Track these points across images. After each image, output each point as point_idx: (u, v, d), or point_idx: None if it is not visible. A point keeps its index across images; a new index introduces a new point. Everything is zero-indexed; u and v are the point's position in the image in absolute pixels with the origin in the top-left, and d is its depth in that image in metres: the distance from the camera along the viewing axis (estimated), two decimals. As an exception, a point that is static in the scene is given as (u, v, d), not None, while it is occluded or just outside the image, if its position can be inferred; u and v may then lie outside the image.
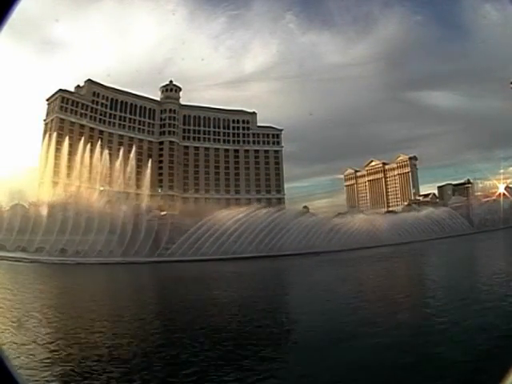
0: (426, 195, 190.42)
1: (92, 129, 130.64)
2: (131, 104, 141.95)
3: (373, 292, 24.12)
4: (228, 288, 30.84)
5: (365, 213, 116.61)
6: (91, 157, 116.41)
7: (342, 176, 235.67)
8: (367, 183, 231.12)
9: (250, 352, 12.93)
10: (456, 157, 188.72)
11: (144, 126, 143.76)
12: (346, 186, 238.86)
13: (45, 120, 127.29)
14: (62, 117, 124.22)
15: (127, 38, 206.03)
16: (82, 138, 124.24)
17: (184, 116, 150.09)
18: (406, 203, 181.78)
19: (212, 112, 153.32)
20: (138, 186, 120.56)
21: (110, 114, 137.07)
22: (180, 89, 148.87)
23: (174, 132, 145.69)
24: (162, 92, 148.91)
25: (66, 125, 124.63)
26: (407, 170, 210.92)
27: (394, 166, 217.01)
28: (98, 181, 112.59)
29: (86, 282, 38.92)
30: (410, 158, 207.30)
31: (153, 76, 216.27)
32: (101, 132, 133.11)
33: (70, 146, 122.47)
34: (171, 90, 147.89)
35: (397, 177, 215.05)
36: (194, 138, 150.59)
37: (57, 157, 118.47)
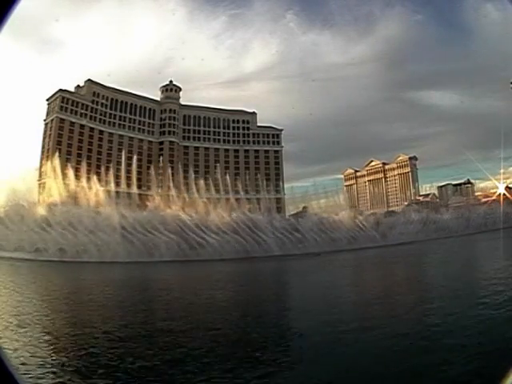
0: (426, 195, 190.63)
1: (92, 129, 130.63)
2: (131, 104, 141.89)
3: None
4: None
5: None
6: (91, 157, 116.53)
7: (341, 176, 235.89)
8: (367, 183, 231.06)
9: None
10: (456, 157, 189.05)
11: (144, 126, 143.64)
12: (346, 186, 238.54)
13: (45, 120, 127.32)
14: (62, 117, 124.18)
15: (127, 38, 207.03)
16: (82, 138, 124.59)
17: (184, 116, 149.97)
18: (406, 203, 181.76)
19: (212, 112, 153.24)
20: (139, 186, 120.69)
21: (110, 114, 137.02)
22: (180, 89, 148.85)
23: (174, 132, 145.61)
24: (162, 92, 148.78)
25: (66, 125, 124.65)
26: (407, 170, 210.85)
27: (394, 165, 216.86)
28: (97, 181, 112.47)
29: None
30: (410, 158, 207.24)
31: (153, 76, 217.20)
32: (101, 132, 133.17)
33: (70, 145, 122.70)
34: (171, 89, 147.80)
35: (397, 177, 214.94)
36: (194, 138, 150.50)
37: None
